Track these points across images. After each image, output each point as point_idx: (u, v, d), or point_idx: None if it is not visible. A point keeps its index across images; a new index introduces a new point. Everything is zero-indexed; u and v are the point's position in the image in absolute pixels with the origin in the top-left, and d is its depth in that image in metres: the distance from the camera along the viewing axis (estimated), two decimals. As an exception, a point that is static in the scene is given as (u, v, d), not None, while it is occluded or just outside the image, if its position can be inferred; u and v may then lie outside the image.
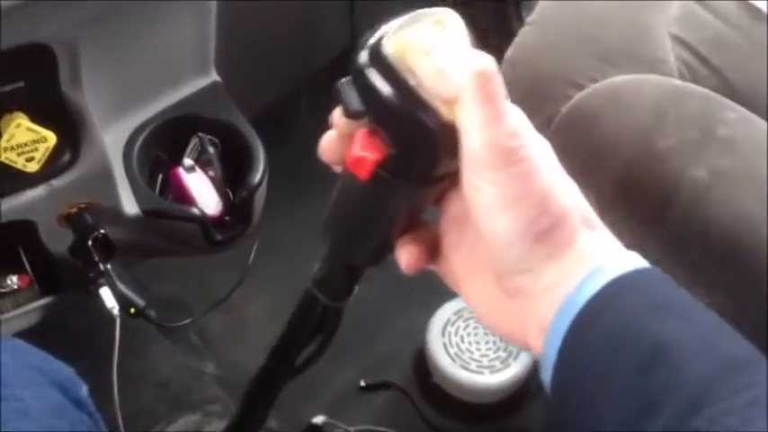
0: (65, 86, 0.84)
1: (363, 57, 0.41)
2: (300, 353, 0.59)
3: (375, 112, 0.41)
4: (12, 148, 0.80)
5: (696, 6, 0.80)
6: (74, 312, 1.03)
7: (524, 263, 0.40)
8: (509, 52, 0.81)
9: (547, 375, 0.40)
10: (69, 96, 0.85)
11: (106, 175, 0.92)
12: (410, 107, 0.40)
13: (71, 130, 0.87)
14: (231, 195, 1.01)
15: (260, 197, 1.01)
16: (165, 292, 1.23)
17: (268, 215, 1.04)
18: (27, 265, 0.93)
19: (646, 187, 0.68)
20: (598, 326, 0.38)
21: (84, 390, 0.61)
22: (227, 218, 1.00)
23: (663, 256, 0.72)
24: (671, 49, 0.75)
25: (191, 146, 1.03)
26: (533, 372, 1.20)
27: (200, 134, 1.04)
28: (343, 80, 0.42)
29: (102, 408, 0.67)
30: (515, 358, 1.20)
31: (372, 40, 0.41)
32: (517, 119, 0.40)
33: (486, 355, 1.21)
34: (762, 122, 0.72)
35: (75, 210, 0.91)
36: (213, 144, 1.02)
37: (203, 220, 0.96)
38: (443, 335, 1.22)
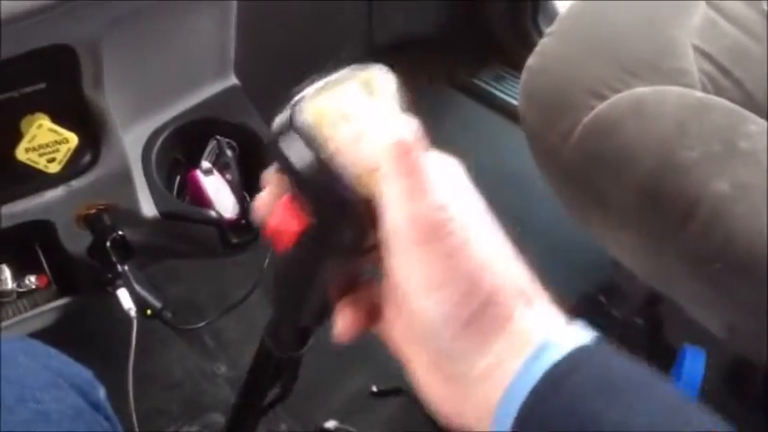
0: (87, 88, 0.85)
1: (281, 121, 0.38)
2: (265, 396, 0.59)
3: (292, 181, 0.39)
4: (33, 149, 0.81)
5: (717, 17, 0.80)
6: (87, 313, 1.03)
7: (457, 347, 0.37)
8: (530, 61, 0.81)
9: None
10: (91, 98, 0.86)
11: (125, 177, 0.92)
12: (326, 178, 0.37)
13: (92, 132, 0.88)
14: (248, 199, 1.01)
15: (277, 201, 1.01)
16: (179, 294, 1.23)
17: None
18: (45, 265, 0.94)
19: (667, 199, 0.68)
20: (549, 412, 0.35)
21: (101, 392, 0.61)
22: (243, 221, 1.00)
23: (682, 270, 0.72)
24: (694, 61, 0.75)
25: (209, 149, 1.03)
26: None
27: (218, 137, 1.04)
28: (275, 136, 0.38)
29: (115, 409, 0.67)
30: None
31: (290, 105, 0.38)
32: (444, 188, 0.37)
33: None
34: (783, 136, 0.71)
35: (93, 211, 0.92)
36: (231, 147, 1.03)
37: (220, 223, 0.97)
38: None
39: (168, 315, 0.97)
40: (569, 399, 0.35)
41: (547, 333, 0.37)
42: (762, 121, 0.72)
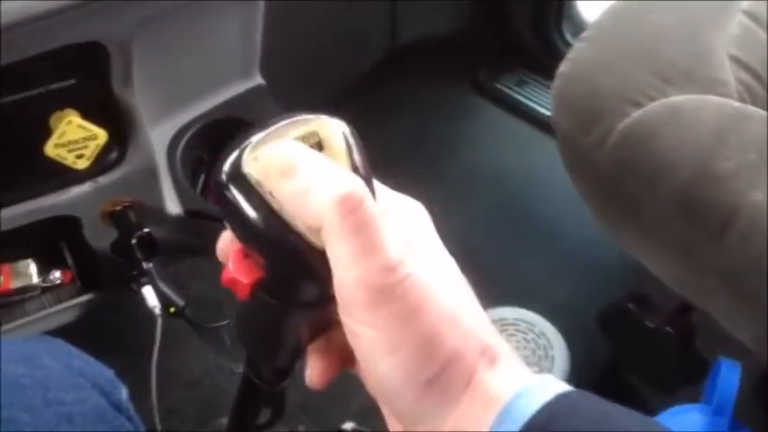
0: (116, 85, 0.84)
1: (224, 172, 0.36)
2: (255, 421, 0.58)
3: (239, 234, 0.37)
4: (63, 145, 0.81)
5: (754, 26, 0.79)
6: (109, 310, 1.03)
7: (420, 409, 0.36)
8: (563, 67, 0.80)
9: None
10: (120, 95, 0.85)
11: (151, 174, 0.92)
12: (277, 232, 0.35)
13: (119, 129, 0.87)
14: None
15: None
16: (198, 292, 1.23)
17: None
18: (70, 261, 0.94)
19: (704, 209, 0.67)
20: None
21: (124, 393, 0.60)
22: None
23: (715, 281, 0.71)
24: (730, 70, 0.74)
25: (233, 148, 1.03)
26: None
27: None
28: (221, 184, 0.36)
29: (135, 408, 0.67)
30: (549, 372, 1.19)
31: (234, 153, 0.36)
32: (398, 243, 0.35)
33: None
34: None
35: (119, 207, 0.92)
36: (256, 147, 1.02)
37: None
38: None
39: (191, 313, 0.97)
40: None
41: (514, 388, 0.35)
42: (798, 132, 0.71)
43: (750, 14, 0.79)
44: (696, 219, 0.69)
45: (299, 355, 0.42)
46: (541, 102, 1.53)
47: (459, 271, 0.38)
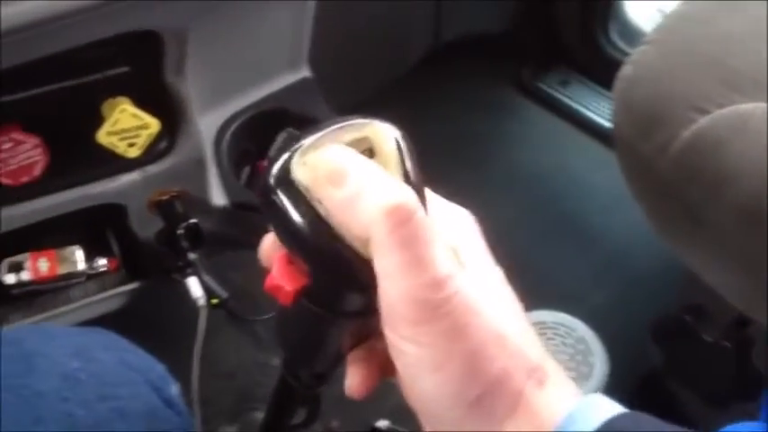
0: (169, 74, 0.84)
1: (272, 176, 0.35)
2: (290, 421, 0.57)
3: (284, 240, 0.36)
4: (115, 133, 0.80)
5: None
6: (151, 299, 1.03)
7: (464, 430, 0.34)
8: (625, 70, 0.78)
9: None
10: (172, 84, 0.85)
11: (199, 165, 0.92)
12: (319, 240, 0.34)
13: (170, 118, 0.87)
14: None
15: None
16: (239, 284, 1.22)
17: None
18: (115, 249, 0.93)
19: (771, 221, 0.66)
20: None
21: (174, 389, 0.59)
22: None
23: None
24: (800, 79, 0.72)
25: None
26: (605, 394, 1.17)
27: (288, 129, 1.03)
28: (269, 188, 0.35)
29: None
30: (587, 379, 1.17)
31: (284, 157, 0.35)
32: (446, 258, 0.33)
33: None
34: None
35: (166, 197, 0.91)
36: (301, 139, 1.01)
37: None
38: (515, 349, 1.20)
39: (233, 305, 0.96)
40: None
41: (565, 410, 0.34)
42: None
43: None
44: (762, 230, 0.67)
45: (338, 362, 0.41)
46: (585, 102, 1.50)
47: (507, 284, 0.37)
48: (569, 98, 1.52)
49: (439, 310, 0.33)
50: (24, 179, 0.79)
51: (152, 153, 0.87)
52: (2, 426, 0.48)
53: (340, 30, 1.21)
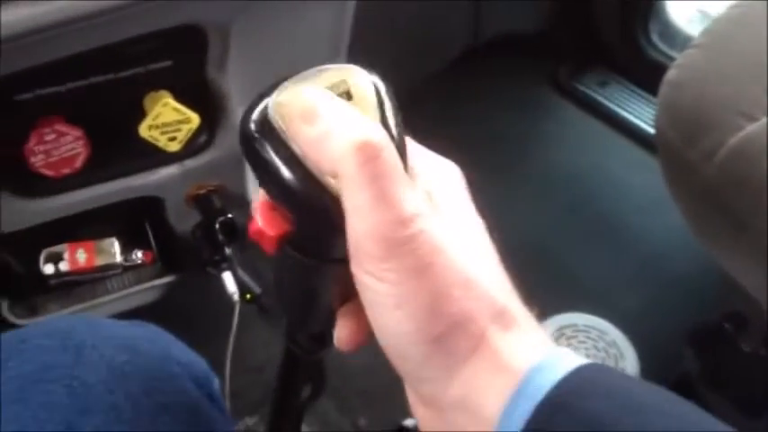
0: (211, 69, 0.84)
1: (251, 121, 0.35)
2: (298, 396, 0.57)
3: (265, 185, 0.36)
4: (157, 127, 0.81)
5: None
6: (185, 293, 1.03)
7: (423, 370, 0.35)
8: (671, 73, 0.77)
9: None
10: (214, 79, 0.85)
11: (237, 160, 0.91)
12: (297, 184, 0.34)
13: (210, 113, 0.87)
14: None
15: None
16: (269, 278, 1.23)
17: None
18: (152, 241, 0.94)
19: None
20: None
21: (216, 384, 0.60)
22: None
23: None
24: None
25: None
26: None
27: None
28: (248, 134, 0.35)
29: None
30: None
31: (263, 101, 0.35)
32: (417, 198, 0.34)
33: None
34: None
35: (203, 191, 0.92)
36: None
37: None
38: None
39: (265, 301, 0.96)
40: (584, 423, 0.32)
41: (530, 358, 0.34)
42: None
43: None
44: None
45: (331, 318, 0.41)
46: (622, 104, 1.49)
47: (487, 235, 0.37)
48: (607, 99, 1.50)
49: (403, 247, 0.33)
50: (66, 171, 0.79)
51: (191, 147, 0.87)
52: (49, 416, 0.49)
53: (379, 27, 1.20)
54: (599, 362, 1.08)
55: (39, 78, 0.76)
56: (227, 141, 0.90)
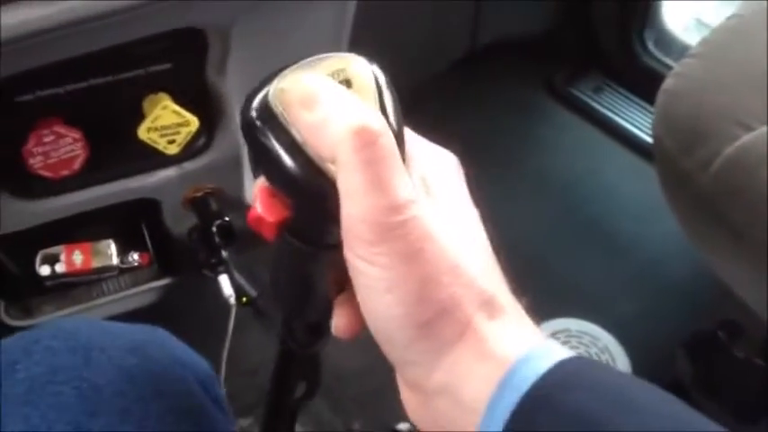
0: (210, 72, 0.84)
1: (252, 108, 0.36)
2: (292, 393, 0.58)
3: (265, 171, 0.36)
4: (155, 129, 0.81)
5: None
6: (180, 295, 1.03)
7: (410, 354, 0.35)
8: (668, 83, 0.78)
9: None
10: (213, 82, 0.85)
11: (236, 163, 0.92)
12: (298, 170, 0.35)
13: (209, 116, 0.87)
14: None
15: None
16: (265, 280, 1.23)
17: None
18: (149, 244, 0.94)
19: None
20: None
21: (222, 389, 0.60)
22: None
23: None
24: None
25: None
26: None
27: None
28: (249, 120, 0.36)
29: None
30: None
31: (265, 88, 0.36)
32: (410, 185, 0.34)
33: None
34: None
35: (200, 194, 0.92)
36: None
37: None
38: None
39: (261, 304, 0.96)
40: (568, 417, 0.32)
41: (514, 347, 0.35)
42: None
43: None
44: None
45: (328, 308, 0.41)
46: (617, 110, 1.50)
47: (481, 225, 0.38)
48: (602, 105, 1.51)
49: (394, 232, 0.33)
50: (64, 173, 0.79)
51: (190, 150, 0.87)
52: (58, 417, 0.49)
53: (377, 30, 1.20)
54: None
55: (39, 80, 0.76)
56: (226, 144, 0.90)
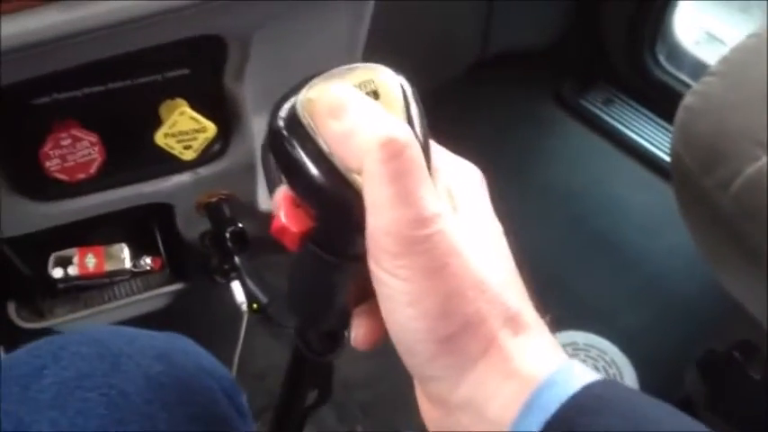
0: (228, 78, 0.84)
1: (279, 117, 0.36)
2: (303, 400, 0.58)
3: (290, 180, 0.36)
4: (173, 135, 0.80)
5: None
6: (191, 301, 1.03)
7: (433, 369, 0.35)
8: (688, 100, 0.78)
9: None
10: (230, 88, 0.85)
11: (250, 169, 0.91)
12: (323, 180, 0.35)
13: (225, 122, 0.87)
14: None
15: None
16: (275, 286, 1.23)
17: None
18: (161, 248, 0.94)
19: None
20: None
21: (244, 398, 0.60)
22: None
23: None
24: None
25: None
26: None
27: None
28: (277, 131, 0.36)
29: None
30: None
31: (292, 98, 0.36)
32: (436, 199, 0.34)
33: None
34: None
35: (214, 199, 0.91)
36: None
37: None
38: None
39: (272, 310, 0.96)
40: None
41: (538, 365, 0.35)
42: None
43: None
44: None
45: (346, 318, 0.41)
46: (626, 122, 1.50)
47: (504, 239, 0.38)
48: (611, 117, 1.51)
49: (419, 246, 0.33)
50: (80, 176, 0.79)
51: (205, 155, 0.86)
52: (85, 423, 0.49)
53: (387, 37, 1.20)
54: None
55: (56, 83, 0.75)
56: (241, 150, 0.89)
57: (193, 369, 0.55)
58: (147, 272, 0.92)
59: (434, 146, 0.38)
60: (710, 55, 1.45)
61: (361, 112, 0.34)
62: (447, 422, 0.36)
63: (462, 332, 0.34)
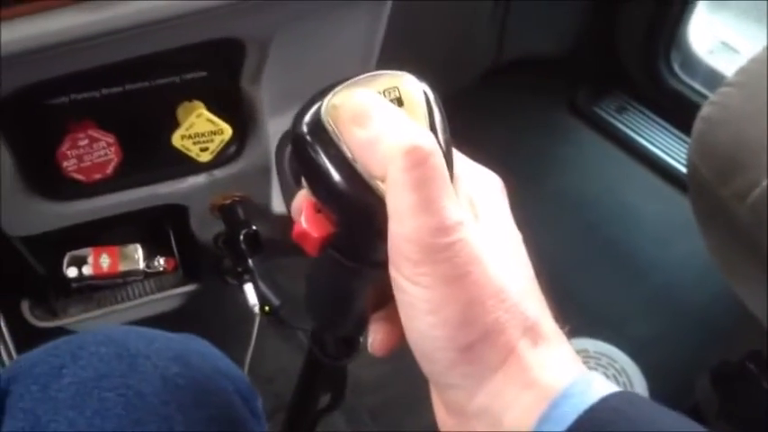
0: (245, 81, 0.84)
1: (304, 123, 0.36)
2: (316, 402, 0.58)
3: (313, 186, 0.37)
4: (189, 137, 0.81)
5: None
6: (203, 302, 1.03)
7: (451, 377, 0.35)
8: (706, 110, 0.78)
9: None
10: (247, 91, 0.85)
11: (265, 172, 0.92)
12: (347, 186, 0.35)
13: (241, 124, 0.87)
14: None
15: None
16: (286, 288, 1.23)
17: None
18: (175, 249, 0.94)
19: None
20: None
21: (259, 400, 0.60)
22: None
23: None
24: None
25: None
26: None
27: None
28: (299, 136, 0.36)
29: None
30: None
31: (316, 104, 0.36)
32: (458, 207, 0.34)
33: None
34: None
35: (228, 201, 0.92)
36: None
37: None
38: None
39: (284, 313, 0.96)
40: None
41: (556, 376, 0.34)
42: None
43: None
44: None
45: (363, 323, 0.42)
46: (640, 130, 1.49)
47: (524, 248, 0.38)
48: (625, 125, 1.51)
49: (440, 254, 0.33)
50: (97, 176, 0.79)
51: (220, 157, 0.87)
52: (103, 423, 0.49)
53: (402, 43, 1.20)
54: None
55: (74, 83, 0.76)
56: (256, 153, 0.90)
57: (209, 371, 0.56)
58: (160, 272, 0.92)
59: (456, 153, 0.39)
60: (725, 64, 1.45)
61: (386, 119, 0.35)
62: (462, 429, 0.36)
63: (482, 341, 0.34)
